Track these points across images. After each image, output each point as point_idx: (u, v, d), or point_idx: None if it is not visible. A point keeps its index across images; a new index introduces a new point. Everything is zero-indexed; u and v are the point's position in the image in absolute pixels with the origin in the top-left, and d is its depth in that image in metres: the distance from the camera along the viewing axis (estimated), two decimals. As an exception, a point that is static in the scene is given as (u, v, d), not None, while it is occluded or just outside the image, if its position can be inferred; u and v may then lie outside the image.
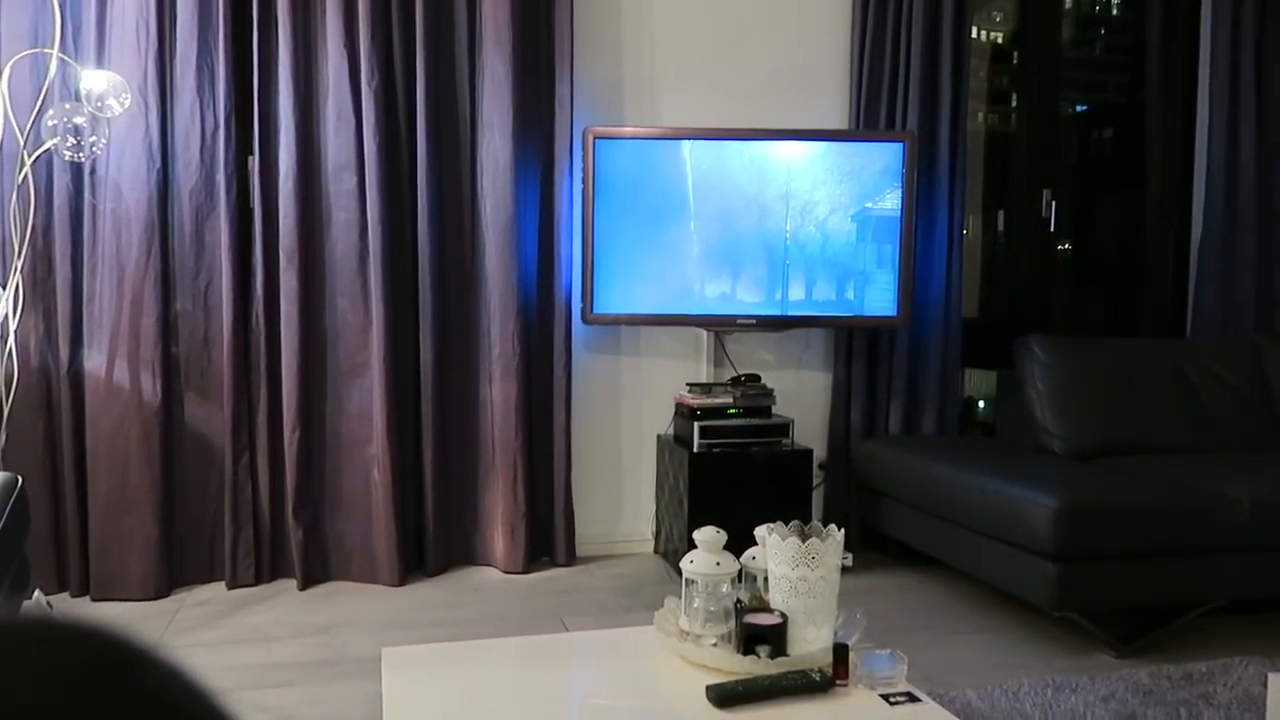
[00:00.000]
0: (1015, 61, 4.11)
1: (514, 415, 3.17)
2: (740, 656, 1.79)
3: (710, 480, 3.10)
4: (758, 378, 3.33)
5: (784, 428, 3.23)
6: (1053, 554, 2.46)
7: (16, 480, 2.16)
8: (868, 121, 3.44)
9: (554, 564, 3.31)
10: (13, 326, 2.71)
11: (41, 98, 2.72)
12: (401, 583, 3.08)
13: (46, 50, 2.73)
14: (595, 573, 3.25)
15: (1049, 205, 3.93)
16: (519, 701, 1.75)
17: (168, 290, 2.96)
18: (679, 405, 3.30)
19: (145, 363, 2.92)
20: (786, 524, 1.86)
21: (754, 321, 3.25)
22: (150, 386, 2.92)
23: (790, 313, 3.26)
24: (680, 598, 1.96)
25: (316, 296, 3.07)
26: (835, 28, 3.51)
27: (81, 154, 2.70)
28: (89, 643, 0.36)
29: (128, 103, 2.73)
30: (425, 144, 3.07)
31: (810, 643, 1.80)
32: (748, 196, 3.22)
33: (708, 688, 1.69)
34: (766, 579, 1.88)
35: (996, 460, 2.94)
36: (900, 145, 3.25)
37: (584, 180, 3.19)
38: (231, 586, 3.02)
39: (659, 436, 3.45)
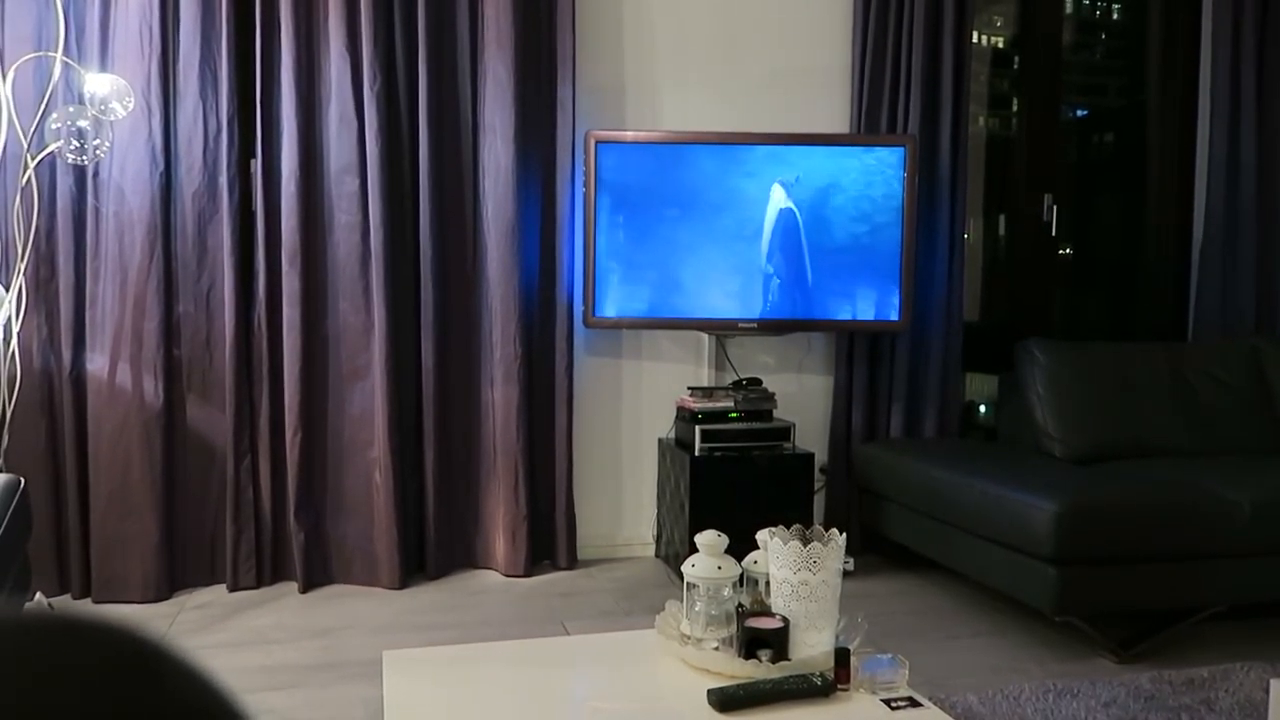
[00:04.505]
0: (1016, 65, 4.11)
1: (515, 418, 3.17)
2: (741, 660, 1.79)
3: (711, 484, 3.10)
4: (759, 381, 3.33)
5: (785, 431, 3.23)
6: (1053, 558, 2.46)
7: (19, 482, 2.17)
8: (869, 125, 3.44)
9: (555, 567, 3.31)
10: (15, 329, 2.71)
11: (45, 101, 2.72)
12: (402, 586, 3.08)
13: (50, 54, 2.74)
14: (596, 576, 3.26)
15: (1050, 209, 3.93)
16: (520, 705, 1.75)
17: (170, 293, 2.97)
18: (680, 409, 3.30)
19: (147, 365, 2.92)
20: (788, 528, 1.87)
21: (755, 325, 3.25)
22: (152, 389, 2.93)
23: (791, 316, 3.27)
24: (681, 601, 1.96)
25: (318, 299, 3.07)
26: (836, 31, 3.52)
27: (84, 157, 2.70)
28: (108, 641, 0.36)
29: (131, 106, 2.73)
30: (427, 147, 3.08)
31: (811, 647, 1.80)
32: (748, 199, 3.22)
33: (709, 692, 1.69)
34: (768, 583, 1.89)
35: (997, 464, 2.94)
36: (901, 149, 3.26)
37: (585, 183, 3.19)
38: (232, 589, 3.02)
39: (660, 440, 3.45)
